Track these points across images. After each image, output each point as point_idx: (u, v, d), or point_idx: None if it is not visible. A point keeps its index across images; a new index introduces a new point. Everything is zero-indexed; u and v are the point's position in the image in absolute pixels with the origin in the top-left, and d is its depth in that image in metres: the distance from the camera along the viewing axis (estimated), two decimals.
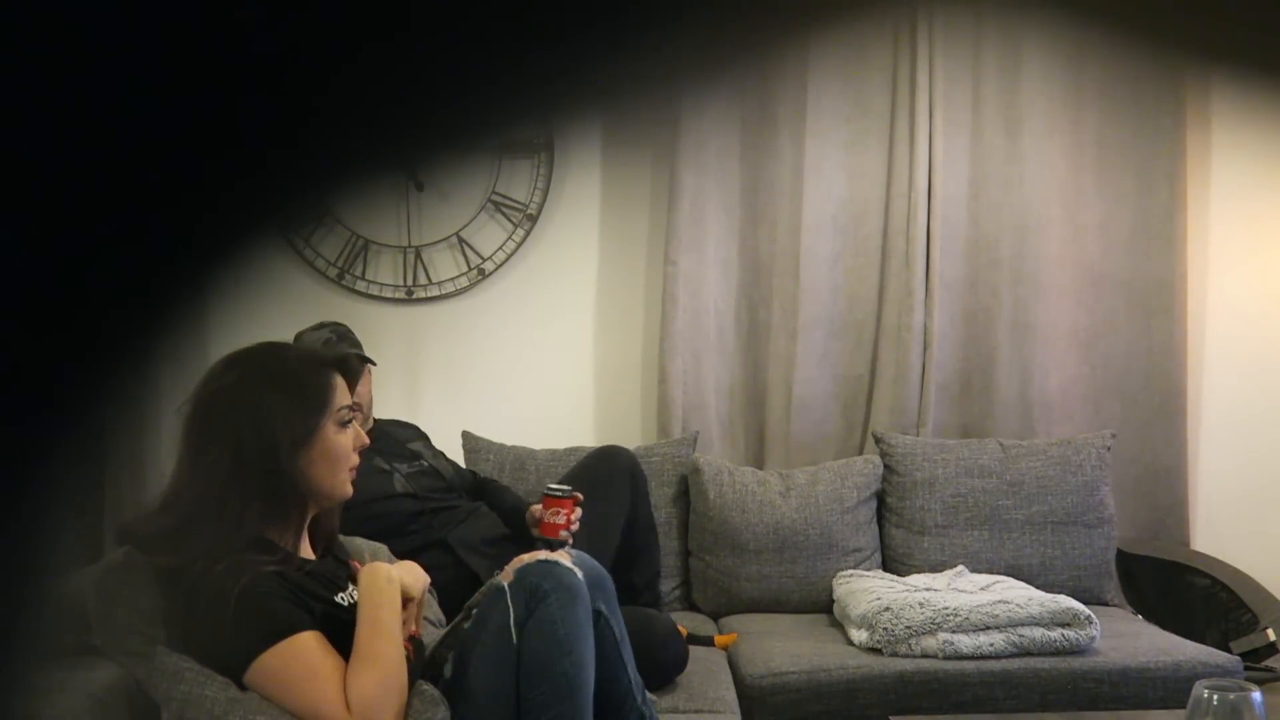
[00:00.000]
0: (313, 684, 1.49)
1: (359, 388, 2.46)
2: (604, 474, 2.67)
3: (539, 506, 2.38)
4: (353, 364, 1.73)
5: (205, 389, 1.59)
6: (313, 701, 1.49)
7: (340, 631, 1.56)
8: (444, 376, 3.29)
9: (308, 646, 1.51)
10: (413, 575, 1.68)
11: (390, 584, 1.60)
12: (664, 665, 2.26)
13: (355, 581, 1.70)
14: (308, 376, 1.63)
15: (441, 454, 2.72)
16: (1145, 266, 3.27)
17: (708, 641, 2.62)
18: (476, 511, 2.57)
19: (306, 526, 1.68)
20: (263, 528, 1.59)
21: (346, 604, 1.63)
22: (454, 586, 2.21)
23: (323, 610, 1.57)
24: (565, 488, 2.29)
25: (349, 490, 1.68)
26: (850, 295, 3.30)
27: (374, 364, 2.59)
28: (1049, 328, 3.27)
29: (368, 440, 1.71)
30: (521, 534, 2.50)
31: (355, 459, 1.67)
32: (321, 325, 2.57)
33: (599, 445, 2.88)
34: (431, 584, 2.01)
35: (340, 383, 1.66)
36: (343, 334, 2.56)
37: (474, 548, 2.45)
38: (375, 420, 2.66)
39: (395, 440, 2.62)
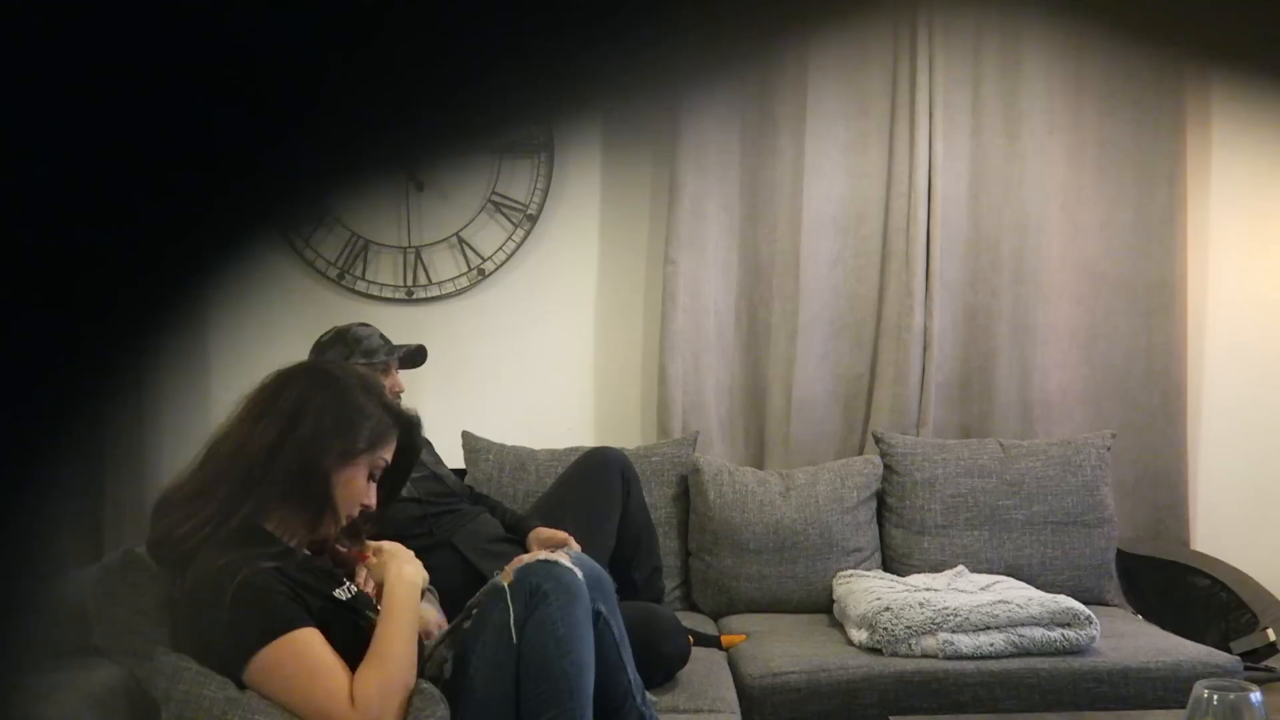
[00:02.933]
0: (314, 680, 1.50)
1: (395, 378, 2.57)
2: (595, 475, 2.70)
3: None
4: (415, 439, 1.78)
5: (292, 370, 1.67)
6: (315, 697, 1.49)
7: (337, 626, 1.57)
8: (444, 376, 3.29)
9: (307, 643, 1.51)
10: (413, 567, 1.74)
11: (413, 588, 1.65)
12: (666, 659, 2.27)
13: (352, 576, 1.71)
14: (379, 412, 1.70)
15: (442, 462, 2.73)
16: (1145, 266, 3.27)
17: (715, 642, 2.62)
18: (479, 515, 2.58)
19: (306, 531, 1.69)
20: (272, 512, 1.60)
21: (344, 599, 1.64)
22: (460, 589, 2.21)
23: (320, 606, 1.57)
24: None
25: (338, 528, 1.70)
26: (850, 295, 3.30)
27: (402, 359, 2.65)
28: (1049, 328, 3.27)
29: (374, 505, 1.74)
30: (521, 543, 2.52)
31: (356, 511, 1.71)
32: (364, 325, 2.62)
33: (597, 445, 2.90)
34: (437, 585, 2.02)
35: (393, 442, 1.72)
36: (366, 335, 2.59)
37: (480, 548, 2.46)
38: None
39: None
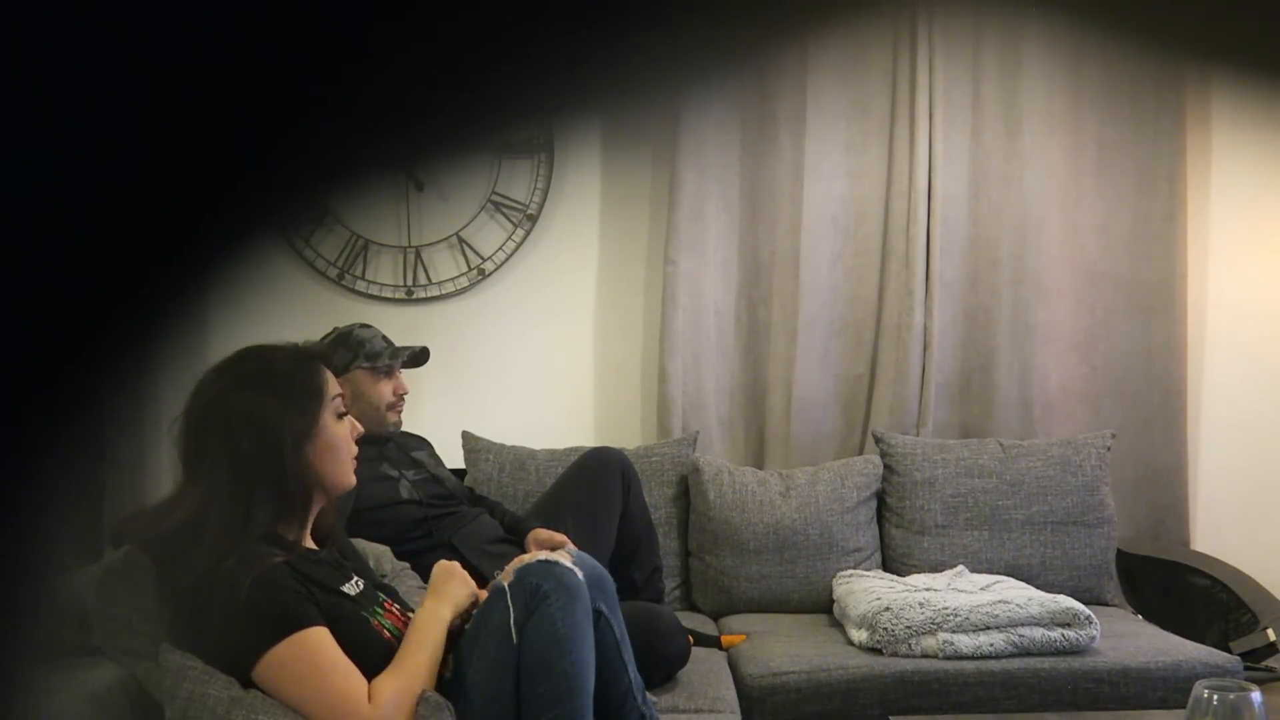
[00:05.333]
0: (329, 678, 1.50)
1: (399, 380, 2.56)
2: (595, 475, 2.69)
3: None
4: (328, 356, 1.75)
5: (195, 402, 1.58)
6: (328, 696, 1.49)
7: (345, 621, 1.57)
8: (444, 376, 3.29)
9: (319, 642, 1.51)
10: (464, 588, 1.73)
11: (441, 620, 1.65)
12: (666, 659, 2.27)
13: (361, 575, 1.72)
14: (298, 373, 1.65)
15: (442, 464, 2.73)
16: (1145, 266, 3.27)
17: (715, 642, 2.62)
18: (478, 516, 2.58)
19: (310, 520, 1.69)
20: (271, 525, 1.59)
21: (352, 593, 1.64)
22: None
23: (329, 601, 1.57)
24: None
25: (353, 480, 1.70)
26: (850, 295, 3.30)
27: (409, 361, 2.66)
28: (1049, 328, 3.27)
29: (362, 429, 1.73)
30: (520, 544, 2.52)
31: (354, 448, 1.70)
32: (366, 327, 2.62)
33: (597, 445, 2.90)
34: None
35: (326, 372, 1.69)
36: (369, 337, 2.59)
37: (480, 549, 2.46)
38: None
39: (401, 448, 2.63)
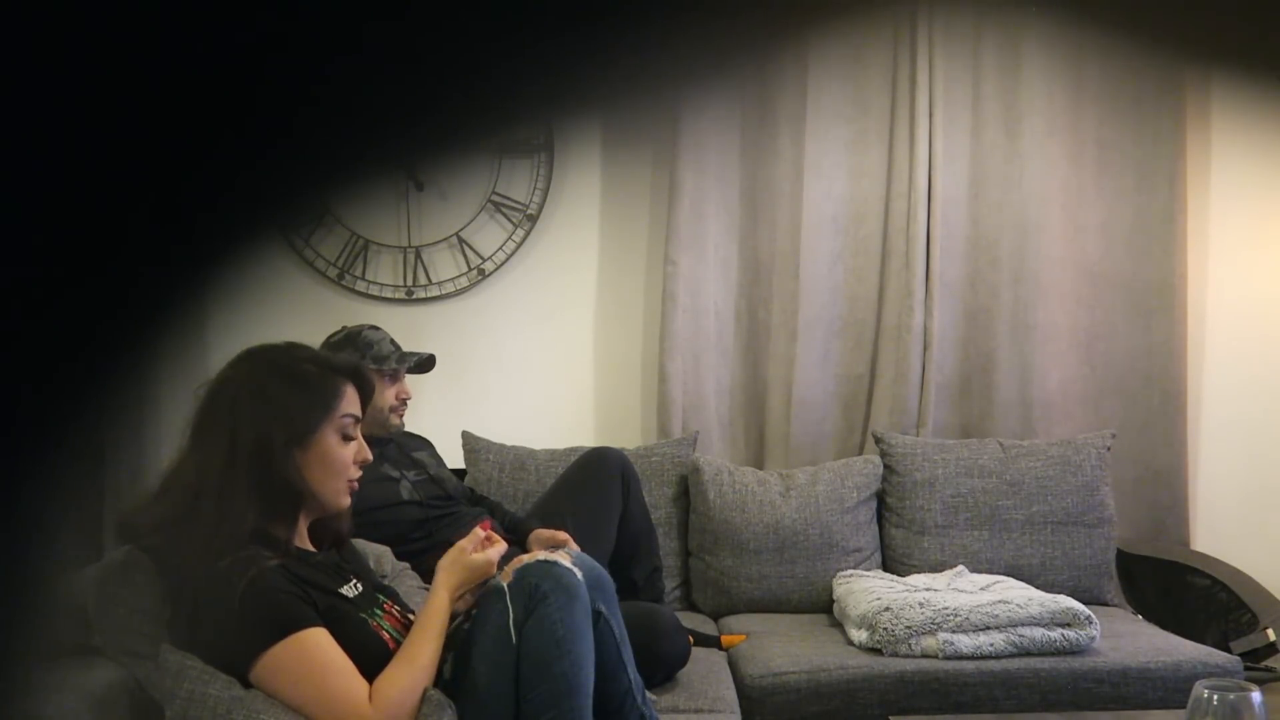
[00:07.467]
0: (327, 679, 1.50)
1: (403, 384, 2.55)
2: (594, 475, 2.69)
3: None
4: (368, 378, 1.72)
5: (217, 377, 1.60)
6: (327, 697, 1.49)
7: (344, 623, 1.57)
8: (444, 376, 3.29)
9: (317, 643, 1.51)
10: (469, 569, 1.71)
11: (441, 609, 1.64)
12: (666, 659, 2.27)
13: (360, 577, 1.71)
14: (316, 378, 1.64)
15: (444, 464, 2.73)
16: (1145, 266, 3.27)
17: (715, 642, 2.62)
18: (479, 517, 2.58)
19: (303, 522, 1.68)
20: (260, 520, 1.59)
21: (351, 595, 1.64)
22: None
23: (327, 602, 1.57)
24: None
25: (345, 502, 1.67)
26: (850, 295, 3.30)
27: (414, 369, 2.65)
28: (1049, 328, 3.27)
29: (370, 456, 1.70)
30: (521, 544, 2.52)
31: (356, 472, 1.67)
32: (374, 329, 2.61)
33: (597, 445, 2.90)
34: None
35: (350, 392, 1.66)
36: (378, 339, 2.58)
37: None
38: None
39: (402, 449, 2.63)
